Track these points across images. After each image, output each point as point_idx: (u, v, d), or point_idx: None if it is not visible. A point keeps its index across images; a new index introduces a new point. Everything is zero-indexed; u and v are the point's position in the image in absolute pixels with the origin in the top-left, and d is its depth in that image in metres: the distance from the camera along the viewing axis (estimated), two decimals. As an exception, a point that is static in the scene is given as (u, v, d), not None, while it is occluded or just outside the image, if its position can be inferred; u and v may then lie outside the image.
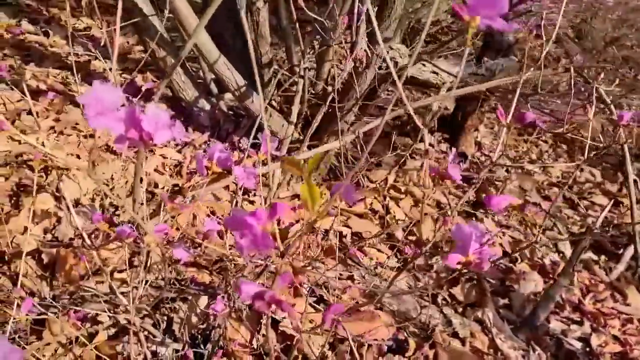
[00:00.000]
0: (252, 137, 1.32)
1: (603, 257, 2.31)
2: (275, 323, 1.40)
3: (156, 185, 1.78)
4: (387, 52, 1.95)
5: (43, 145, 1.86)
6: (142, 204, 1.33)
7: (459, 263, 0.60)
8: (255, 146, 2.15)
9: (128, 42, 3.02)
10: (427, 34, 3.14)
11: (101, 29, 3.12)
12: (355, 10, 1.52)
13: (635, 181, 1.42)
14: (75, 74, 1.61)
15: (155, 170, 1.87)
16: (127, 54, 2.91)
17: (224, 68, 1.75)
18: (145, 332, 1.24)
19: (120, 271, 1.37)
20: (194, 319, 1.34)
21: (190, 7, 1.66)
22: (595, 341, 1.83)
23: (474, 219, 2.29)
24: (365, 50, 1.50)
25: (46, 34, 2.86)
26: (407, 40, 2.52)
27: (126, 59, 2.82)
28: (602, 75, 1.20)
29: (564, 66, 1.14)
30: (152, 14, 1.88)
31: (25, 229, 1.38)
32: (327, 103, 1.86)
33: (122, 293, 1.25)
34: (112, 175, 1.76)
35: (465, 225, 0.59)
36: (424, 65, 2.01)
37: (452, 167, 0.80)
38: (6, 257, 1.31)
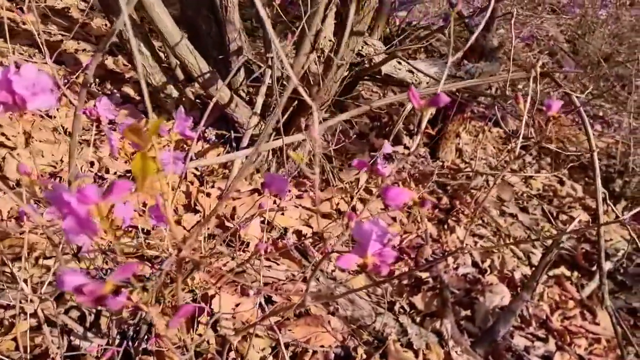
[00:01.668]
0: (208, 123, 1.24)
1: (576, 274, 2.24)
2: (215, 322, 1.32)
3: (107, 171, 1.69)
4: (362, 47, 1.87)
5: (-6, 122, 1.78)
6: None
7: (358, 265, 0.52)
8: (222, 137, 2.07)
9: (106, 24, 2.93)
10: (414, 36, 3.07)
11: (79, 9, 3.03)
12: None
13: (605, 195, 1.35)
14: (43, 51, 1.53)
15: (110, 155, 1.79)
16: (103, 36, 2.82)
17: (186, 52, 1.67)
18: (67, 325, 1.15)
19: (49, 257, 1.28)
20: (124, 313, 1.25)
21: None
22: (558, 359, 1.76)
23: (445, 226, 2.21)
24: (330, 40, 1.42)
25: (22, 10, 2.77)
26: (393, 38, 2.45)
27: (103, 40, 2.73)
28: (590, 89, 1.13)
29: (538, 70, 1.07)
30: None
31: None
32: (295, 96, 1.79)
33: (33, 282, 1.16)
34: (61, 158, 1.68)
35: (366, 223, 0.51)
36: (399, 63, 1.93)
37: (382, 165, 0.72)
38: None
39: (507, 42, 2.48)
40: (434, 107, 0.52)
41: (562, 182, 3.02)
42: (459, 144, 2.93)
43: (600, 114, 4.07)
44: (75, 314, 1.24)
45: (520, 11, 3.28)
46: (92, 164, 1.69)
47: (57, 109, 1.93)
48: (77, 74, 1.93)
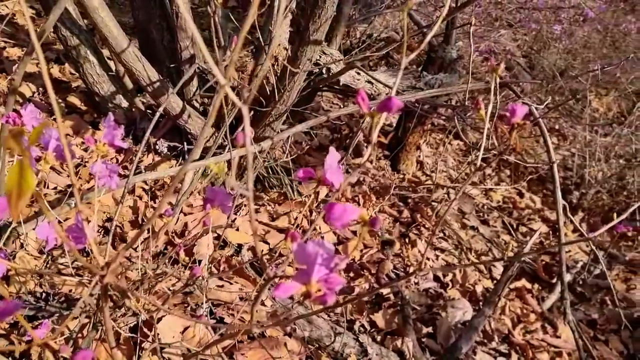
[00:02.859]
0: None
1: (537, 286, 2.23)
2: (161, 348, 1.22)
3: (47, 185, 1.58)
4: (320, 56, 1.82)
5: None
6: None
7: (300, 295, 0.45)
8: (174, 149, 1.98)
9: (52, 31, 2.80)
10: (375, 48, 3.05)
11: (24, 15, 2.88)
12: (276, 4, 1.38)
13: (564, 206, 1.33)
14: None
15: (52, 168, 1.67)
16: (52, 44, 2.69)
17: (133, 59, 1.58)
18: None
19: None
20: (61, 343, 1.14)
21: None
22: (521, 376, 1.73)
23: (407, 240, 2.17)
24: (285, 48, 1.36)
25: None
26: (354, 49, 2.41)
27: (50, 48, 2.60)
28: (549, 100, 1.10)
29: (498, 76, 1.04)
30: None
31: None
32: (251, 107, 1.71)
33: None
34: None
35: (310, 243, 0.44)
36: (358, 74, 1.89)
37: (331, 173, 0.65)
38: None
39: (465, 55, 2.48)
40: (385, 112, 0.46)
41: (521, 194, 3.04)
42: (419, 156, 2.91)
43: (556, 127, 4.15)
44: (3, 342, 1.12)
45: (478, 24, 3.32)
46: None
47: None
48: (8, 78, 1.81)
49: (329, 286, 0.45)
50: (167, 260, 1.10)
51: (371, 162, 2.59)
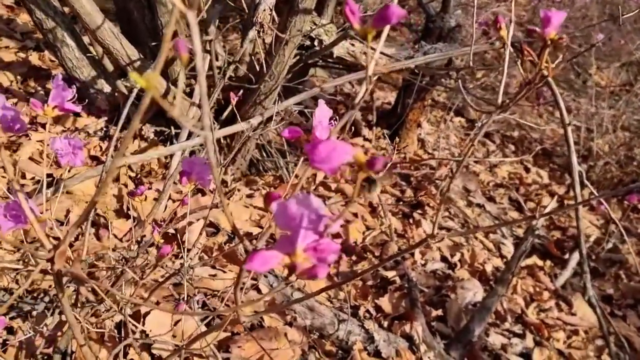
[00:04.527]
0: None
1: (549, 263, 2.13)
2: (148, 345, 1.13)
3: (24, 176, 1.47)
4: (311, 28, 1.71)
5: None
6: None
7: (283, 266, 0.35)
8: (161, 134, 1.87)
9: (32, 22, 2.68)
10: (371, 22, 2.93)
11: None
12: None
13: (580, 173, 1.22)
14: None
15: (31, 158, 1.56)
16: (32, 32, 2.57)
17: (110, 37, 1.47)
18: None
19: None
20: (38, 342, 1.04)
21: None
22: (537, 356, 1.63)
23: (411, 220, 2.07)
24: (270, 14, 1.25)
25: None
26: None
27: (30, 37, 2.49)
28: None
29: (498, 42, 0.95)
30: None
31: None
32: (240, 85, 1.61)
33: None
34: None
35: (292, 202, 0.34)
36: (353, 45, 1.78)
37: (321, 131, 0.55)
38: None
39: (464, 25, 2.36)
40: (381, 27, 0.35)
41: (527, 170, 2.94)
42: (420, 134, 2.80)
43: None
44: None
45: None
46: (3, 168, 1.47)
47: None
48: None
49: (320, 255, 0.35)
50: (147, 248, 1.00)
51: (370, 141, 2.48)
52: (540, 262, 2.11)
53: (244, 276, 1.06)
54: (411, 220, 2.06)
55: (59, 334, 1.03)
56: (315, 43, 1.75)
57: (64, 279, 0.76)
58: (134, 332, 1.09)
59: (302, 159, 1.88)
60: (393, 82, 3.23)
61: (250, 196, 1.80)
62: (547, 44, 0.40)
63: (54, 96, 0.59)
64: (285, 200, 0.34)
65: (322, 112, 0.56)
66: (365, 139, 2.45)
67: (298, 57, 1.75)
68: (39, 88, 1.97)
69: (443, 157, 2.44)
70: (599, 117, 3.13)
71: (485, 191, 2.60)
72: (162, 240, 0.91)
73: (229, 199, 1.71)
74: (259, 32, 1.36)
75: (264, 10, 1.31)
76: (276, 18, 1.46)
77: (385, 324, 1.50)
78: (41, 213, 0.69)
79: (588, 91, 3.88)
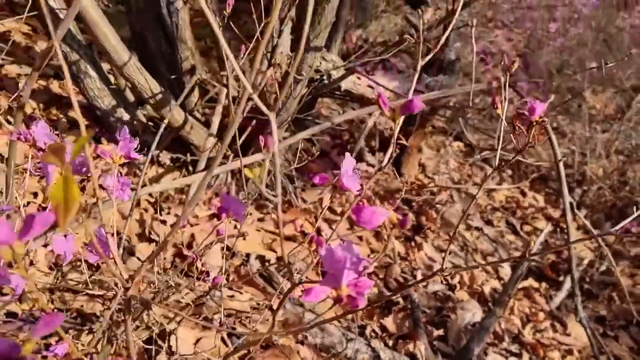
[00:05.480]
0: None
1: (544, 285, 2.23)
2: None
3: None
4: (320, 63, 1.83)
5: None
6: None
7: (330, 299, 0.45)
8: (177, 160, 1.98)
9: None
10: (374, 52, 3.06)
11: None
12: (277, 13, 1.38)
13: (571, 204, 1.33)
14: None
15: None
16: (50, 59, 2.69)
17: (135, 72, 1.58)
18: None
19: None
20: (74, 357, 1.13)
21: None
22: (534, 375, 1.72)
23: (413, 243, 2.17)
24: (287, 55, 1.37)
25: (-42, 35, 2.61)
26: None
27: (48, 64, 2.60)
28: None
29: (496, 81, 1.05)
30: (63, 8, 1.70)
31: None
32: (254, 116, 1.72)
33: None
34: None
35: (338, 248, 0.44)
36: (359, 79, 1.90)
37: (348, 178, 0.65)
38: None
39: (462, 56, 2.49)
40: (406, 114, 0.46)
41: (524, 194, 3.04)
42: (420, 159, 2.91)
43: (554, 125, 4.15)
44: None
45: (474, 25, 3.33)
46: (35, 194, 1.57)
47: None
48: (12, 97, 1.81)
49: (359, 290, 0.45)
50: (179, 272, 1.10)
51: (373, 166, 2.59)
52: (536, 284, 2.20)
53: (262, 298, 1.17)
54: (413, 244, 2.16)
55: (94, 351, 1.12)
56: (324, 76, 1.86)
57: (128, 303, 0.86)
58: (161, 349, 1.18)
59: (309, 184, 1.99)
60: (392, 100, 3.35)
61: (261, 220, 1.90)
62: (533, 124, 0.50)
63: (122, 147, 0.70)
64: (332, 247, 0.45)
65: (348, 163, 0.66)
66: (369, 164, 2.56)
67: (308, 90, 1.86)
68: (61, 115, 2.08)
69: (446, 186, 2.54)
70: (593, 142, 3.25)
71: (483, 215, 2.70)
72: (202, 268, 1.01)
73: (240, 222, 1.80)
74: (276, 73, 1.47)
75: (281, 52, 1.42)
76: (290, 55, 1.58)
77: (390, 342, 1.59)
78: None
79: (582, 115, 4.01)
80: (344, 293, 0.45)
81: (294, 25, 1.58)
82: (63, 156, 0.33)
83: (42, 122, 0.89)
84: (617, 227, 0.71)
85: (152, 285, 1.10)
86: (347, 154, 0.66)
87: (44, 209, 1.53)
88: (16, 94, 1.74)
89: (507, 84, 0.78)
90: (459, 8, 0.91)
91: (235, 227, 1.74)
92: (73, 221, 1.29)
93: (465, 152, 3.33)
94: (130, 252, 1.49)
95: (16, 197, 1.17)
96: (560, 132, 4.07)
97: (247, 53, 1.34)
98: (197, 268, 1.00)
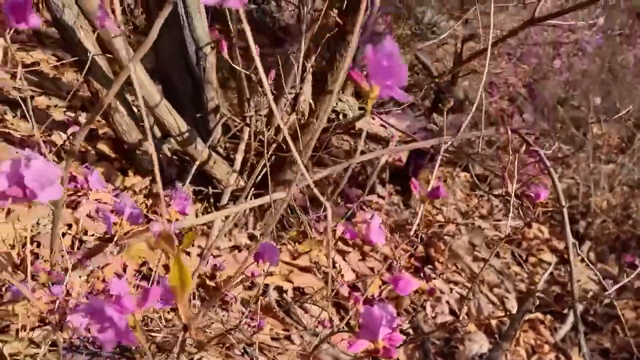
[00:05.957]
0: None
1: (549, 317, 2.30)
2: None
3: (86, 232, 1.67)
4: (336, 103, 1.94)
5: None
6: (62, 254, 1.23)
7: (366, 351, 0.54)
8: (199, 193, 2.08)
9: (77, 79, 2.93)
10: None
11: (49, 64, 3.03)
12: (300, 62, 1.51)
13: (574, 244, 1.42)
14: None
15: (88, 216, 1.77)
16: (77, 90, 2.82)
17: (165, 112, 1.70)
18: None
19: (32, 329, 1.25)
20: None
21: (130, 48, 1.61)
22: (539, 407, 1.79)
23: (421, 274, 2.25)
24: (310, 103, 1.48)
25: (-10, 67, 2.74)
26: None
27: (74, 95, 2.73)
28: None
29: (507, 126, 1.15)
30: (98, 54, 1.82)
31: None
32: (274, 152, 1.83)
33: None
34: (37, 221, 1.65)
35: (375, 308, 0.54)
36: (373, 118, 2.00)
37: (375, 233, 0.75)
38: None
39: (470, 93, 2.60)
40: (434, 198, 0.56)
41: (529, 225, 3.12)
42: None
43: (559, 154, 4.24)
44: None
45: (478, 62, 3.46)
46: (69, 226, 1.67)
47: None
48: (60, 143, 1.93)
49: (392, 343, 0.54)
50: (213, 305, 1.19)
51: (384, 198, 2.69)
52: (541, 316, 2.27)
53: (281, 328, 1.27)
54: (422, 275, 2.25)
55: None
56: (340, 116, 1.98)
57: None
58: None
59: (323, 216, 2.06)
60: (403, 139, 3.46)
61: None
62: (538, 205, 0.60)
63: (178, 204, 0.80)
64: (371, 307, 0.54)
65: (376, 221, 0.76)
66: (379, 196, 2.66)
67: (328, 133, 1.97)
68: (90, 148, 2.19)
69: (457, 222, 2.63)
70: (597, 174, 3.34)
71: (490, 245, 2.78)
72: (239, 306, 1.10)
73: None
74: (299, 119, 1.58)
75: (304, 100, 1.53)
76: (312, 102, 1.69)
77: (401, 373, 1.67)
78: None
79: (586, 145, 4.10)
80: (380, 345, 0.54)
81: (314, 71, 1.69)
82: (173, 244, 0.43)
83: (96, 172, 0.99)
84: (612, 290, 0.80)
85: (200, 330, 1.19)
86: (375, 214, 0.75)
87: (80, 240, 1.64)
88: (64, 141, 1.86)
89: (509, 133, 0.87)
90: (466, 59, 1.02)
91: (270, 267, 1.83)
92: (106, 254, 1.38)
93: (472, 183, 3.42)
94: (157, 283, 1.58)
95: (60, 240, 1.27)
96: (565, 162, 4.16)
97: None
98: (231, 303, 1.09)
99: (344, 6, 1.69)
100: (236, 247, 1.85)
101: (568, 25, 3.54)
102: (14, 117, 2.27)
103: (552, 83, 4.47)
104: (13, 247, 1.54)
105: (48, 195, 0.62)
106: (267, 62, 3.54)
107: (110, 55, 1.60)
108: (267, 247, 0.92)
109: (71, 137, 1.94)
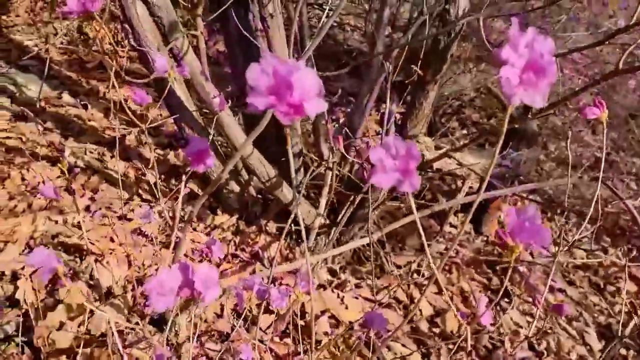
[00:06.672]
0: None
1: (632, 352, 2.26)
2: None
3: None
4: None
5: (79, 227, 1.93)
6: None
7: None
8: (281, 229, 2.20)
9: (161, 115, 3.13)
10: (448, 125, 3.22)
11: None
12: (386, 113, 1.59)
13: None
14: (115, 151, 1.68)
15: (185, 255, 1.92)
16: (160, 126, 3.01)
17: (257, 163, 1.82)
18: None
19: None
20: None
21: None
22: None
23: (498, 307, 2.27)
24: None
25: (85, 107, 2.99)
26: (435, 125, 2.59)
27: (160, 132, 2.92)
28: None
29: (591, 176, 1.18)
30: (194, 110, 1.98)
31: (61, 324, 1.42)
32: (357, 193, 1.92)
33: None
34: (143, 262, 1.81)
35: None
36: (450, 157, 2.06)
37: (484, 316, 0.82)
38: (42, 356, 1.34)
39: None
40: (557, 314, 0.62)
41: (605, 251, 3.06)
42: (500, 216, 3.01)
43: (634, 170, 4.10)
44: None
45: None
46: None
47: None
48: (146, 173, 2.08)
49: None
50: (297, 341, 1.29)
51: (455, 227, 2.72)
52: (623, 351, 2.24)
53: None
54: (498, 308, 2.27)
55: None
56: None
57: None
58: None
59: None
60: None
61: (358, 286, 2.07)
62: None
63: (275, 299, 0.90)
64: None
65: (483, 301, 0.83)
66: (451, 225, 2.69)
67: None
68: (179, 186, 2.36)
69: (538, 262, 2.63)
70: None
71: (564, 274, 2.75)
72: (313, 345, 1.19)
73: (342, 290, 1.99)
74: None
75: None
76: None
77: (485, 413, 1.71)
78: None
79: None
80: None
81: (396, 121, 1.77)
82: None
83: (217, 242, 1.11)
84: None
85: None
86: (483, 298, 0.82)
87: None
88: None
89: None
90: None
91: (337, 296, 1.92)
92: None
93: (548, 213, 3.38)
94: (253, 322, 1.70)
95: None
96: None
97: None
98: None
99: (422, 54, 1.76)
100: (321, 286, 1.95)
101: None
102: (111, 157, 2.48)
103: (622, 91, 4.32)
104: (125, 288, 1.70)
105: (212, 295, 0.73)
106: (332, 87, 3.64)
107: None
108: (375, 316, 1.00)
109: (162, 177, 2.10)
